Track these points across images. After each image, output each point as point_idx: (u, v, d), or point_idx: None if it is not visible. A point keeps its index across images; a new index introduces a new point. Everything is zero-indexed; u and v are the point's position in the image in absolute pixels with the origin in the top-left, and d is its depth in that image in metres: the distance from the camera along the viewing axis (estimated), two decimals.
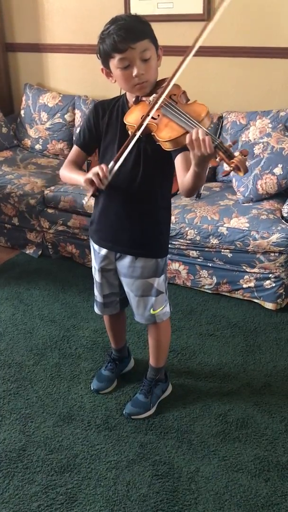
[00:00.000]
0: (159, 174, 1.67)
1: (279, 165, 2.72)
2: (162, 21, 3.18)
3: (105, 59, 1.52)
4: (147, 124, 1.47)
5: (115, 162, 1.51)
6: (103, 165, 1.50)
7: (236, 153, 1.29)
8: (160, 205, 1.74)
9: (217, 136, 3.17)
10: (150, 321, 1.90)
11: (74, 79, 3.78)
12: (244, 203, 2.80)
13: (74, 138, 3.53)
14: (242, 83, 3.22)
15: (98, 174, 1.48)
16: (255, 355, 2.36)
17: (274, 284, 2.60)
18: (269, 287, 2.62)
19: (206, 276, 2.77)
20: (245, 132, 3.04)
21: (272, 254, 2.54)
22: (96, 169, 1.49)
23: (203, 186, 2.96)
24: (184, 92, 1.54)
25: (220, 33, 3.15)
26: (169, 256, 2.76)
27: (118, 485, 1.74)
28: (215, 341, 2.46)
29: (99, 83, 3.14)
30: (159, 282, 1.81)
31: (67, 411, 2.04)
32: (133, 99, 1.57)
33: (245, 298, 2.75)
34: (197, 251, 2.72)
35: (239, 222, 2.60)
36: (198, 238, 2.66)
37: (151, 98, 1.51)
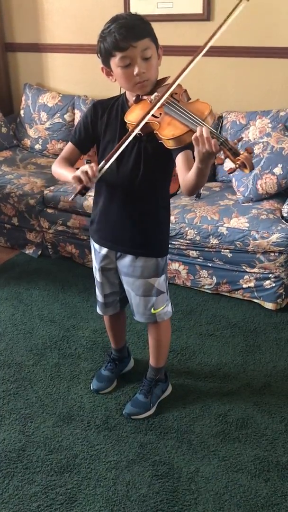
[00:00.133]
0: (159, 173, 1.67)
1: (279, 165, 2.72)
2: (162, 21, 3.18)
3: (106, 57, 1.52)
4: (149, 122, 1.46)
5: (106, 162, 1.48)
6: (93, 164, 1.47)
7: (241, 151, 1.29)
8: (160, 204, 1.74)
9: None
10: (151, 320, 1.89)
11: (73, 79, 3.77)
12: (244, 203, 2.80)
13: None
14: (242, 83, 3.22)
15: (87, 172, 1.45)
16: (255, 355, 2.36)
17: (274, 284, 2.60)
18: (269, 287, 2.61)
19: (206, 276, 2.77)
20: (245, 132, 3.04)
21: (272, 254, 2.54)
22: (85, 167, 1.46)
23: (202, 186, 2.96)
24: (185, 91, 1.54)
25: (219, 33, 3.15)
26: (169, 256, 2.76)
27: (118, 485, 1.74)
28: (215, 341, 2.46)
29: (99, 83, 3.14)
30: (159, 282, 1.81)
31: (66, 411, 2.04)
32: (134, 98, 1.57)
33: (245, 298, 2.75)
34: (197, 251, 2.72)
35: (239, 222, 2.60)
36: (198, 238, 2.66)
37: (152, 96, 1.51)
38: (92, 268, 1.98)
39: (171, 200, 2.82)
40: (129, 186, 1.65)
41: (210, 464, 1.81)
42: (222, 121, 3.18)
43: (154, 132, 1.48)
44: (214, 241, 2.63)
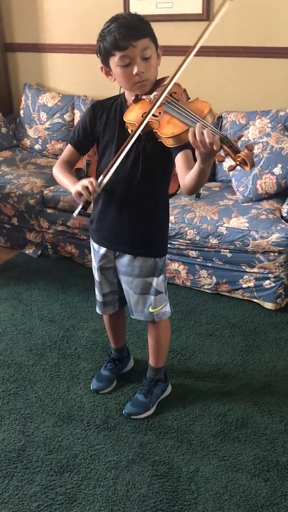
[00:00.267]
0: (158, 173, 1.67)
1: (278, 165, 2.72)
2: (161, 21, 3.18)
3: (105, 57, 1.52)
4: (148, 121, 1.47)
5: (105, 176, 1.50)
6: (92, 179, 1.49)
7: (242, 148, 1.29)
8: (159, 204, 1.74)
9: None
10: (149, 319, 1.90)
11: (73, 79, 3.77)
12: (243, 203, 2.80)
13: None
14: (241, 83, 3.22)
15: (87, 187, 1.47)
16: (254, 355, 2.36)
17: (273, 284, 2.60)
18: (268, 287, 2.62)
19: (205, 276, 2.77)
20: (245, 132, 3.04)
21: (272, 254, 2.54)
22: (85, 182, 1.48)
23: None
24: (184, 90, 1.54)
25: (219, 33, 3.15)
26: (168, 256, 2.78)
27: (117, 485, 1.74)
28: (214, 341, 2.46)
29: (99, 83, 3.14)
30: (157, 282, 1.81)
31: (66, 411, 2.04)
32: (132, 97, 1.57)
33: (245, 298, 2.75)
34: (197, 251, 2.72)
35: (239, 222, 2.60)
36: (197, 238, 2.66)
37: (151, 96, 1.51)
38: (92, 268, 1.98)
39: (171, 200, 2.83)
40: (127, 185, 1.65)
41: (210, 464, 1.81)
42: (222, 121, 3.18)
43: (154, 131, 1.48)
44: (213, 241, 2.63)
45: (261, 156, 2.80)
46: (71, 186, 1.58)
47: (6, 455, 1.85)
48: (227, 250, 2.64)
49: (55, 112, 3.66)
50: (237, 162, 1.27)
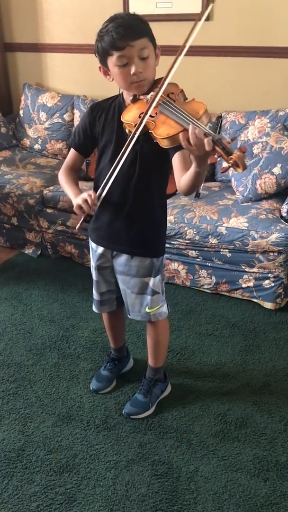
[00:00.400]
0: (156, 173, 1.67)
1: (278, 164, 2.72)
2: (161, 20, 3.18)
3: (103, 57, 1.52)
4: (146, 121, 1.47)
5: (103, 188, 1.55)
6: (91, 192, 1.55)
7: (235, 150, 1.28)
8: (156, 204, 1.74)
9: None
10: (145, 319, 1.90)
11: (73, 79, 3.78)
12: (243, 203, 2.80)
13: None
14: (241, 82, 3.22)
15: (86, 201, 1.53)
16: (254, 354, 2.36)
17: (273, 284, 2.60)
18: (268, 286, 2.62)
19: (205, 276, 2.77)
20: (244, 132, 3.04)
21: (271, 254, 2.54)
22: (85, 195, 1.54)
23: (202, 186, 2.96)
24: (182, 91, 1.54)
25: (219, 33, 3.15)
26: (168, 255, 2.78)
27: (117, 485, 1.74)
28: (214, 340, 2.46)
29: (98, 83, 3.14)
30: (154, 282, 1.81)
31: (66, 411, 2.04)
32: (131, 97, 1.57)
33: (244, 298, 2.75)
34: (196, 251, 2.72)
35: (238, 222, 2.60)
36: (197, 237, 2.66)
37: (148, 96, 1.51)
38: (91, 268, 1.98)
39: (171, 200, 2.83)
40: (125, 185, 1.65)
41: (210, 464, 1.81)
42: (221, 121, 3.18)
43: (149, 131, 1.48)
44: (213, 240, 2.63)
45: (260, 156, 2.80)
46: (73, 198, 1.64)
47: (5, 455, 1.85)
48: (227, 250, 2.64)
49: (54, 112, 3.66)
50: (229, 164, 1.27)
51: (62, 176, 1.79)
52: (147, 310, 1.85)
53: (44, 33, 3.76)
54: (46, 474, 1.78)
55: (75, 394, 2.13)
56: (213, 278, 2.75)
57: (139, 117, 1.47)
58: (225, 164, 1.29)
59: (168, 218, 2.66)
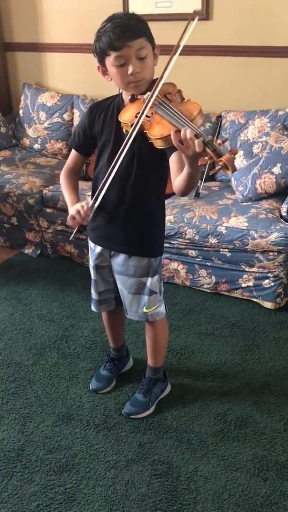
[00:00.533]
0: (153, 173, 1.67)
1: (278, 164, 2.72)
2: (160, 20, 3.18)
3: (101, 57, 1.52)
4: (141, 121, 1.47)
5: (95, 200, 1.58)
6: (84, 203, 1.59)
7: (226, 152, 1.29)
8: (154, 204, 1.74)
9: (216, 135, 3.18)
10: (143, 319, 1.90)
11: (72, 78, 3.77)
12: (243, 203, 2.80)
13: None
14: (240, 82, 3.22)
15: (79, 212, 1.57)
16: (254, 354, 2.36)
17: (273, 284, 2.60)
18: (268, 286, 2.62)
19: (205, 276, 2.77)
20: (244, 131, 3.04)
21: (271, 254, 2.54)
22: (78, 206, 1.58)
23: (202, 185, 2.96)
24: (179, 91, 1.54)
25: (219, 32, 3.15)
26: (168, 255, 2.78)
27: (117, 484, 1.74)
28: (214, 340, 2.46)
29: (98, 83, 3.13)
30: (152, 282, 1.81)
31: (66, 411, 2.04)
32: (129, 97, 1.57)
33: (244, 298, 2.75)
34: (196, 251, 2.72)
35: (238, 222, 2.60)
36: (197, 237, 2.66)
37: (145, 96, 1.51)
38: None
39: (170, 200, 2.83)
40: (122, 185, 1.66)
41: (209, 463, 1.81)
42: (221, 121, 3.18)
43: (144, 131, 1.48)
44: (213, 240, 2.63)
45: (260, 156, 2.80)
46: (69, 206, 1.68)
47: (5, 455, 1.85)
48: (227, 250, 2.64)
49: (54, 111, 3.66)
50: (218, 166, 1.27)
51: (62, 180, 1.81)
52: (144, 310, 1.85)
53: (44, 32, 3.75)
54: (45, 474, 1.78)
55: (75, 394, 2.13)
56: (213, 277, 2.75)
57: (136, 117, 1.48)
58: (216, 166, 1.30)
59: (167, 217, 2.66)
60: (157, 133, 1.44)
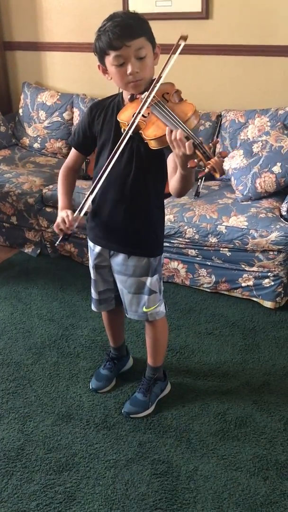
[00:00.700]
0: (152, 173, 1.66)
1: (278, 163, 2.72)
2: (160, 19, 3.17)
3: (101, 56, 1.52)
4: (138, 122, 1.47)
5: (80, 210, 1.60)
6: (69, 212, 1.62)
7: (216, 154, 1.28)
8: (153, 204, 1.73)
9: (216, 134, 3.17)
10: (142, 318, 1.90)
11: (72, 77, 3.77)
12: (243, 202, 2.80)
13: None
14: (240, 81, 3.22)
15: (64, 221, 1.60)
16: (254, 353, 2.36)
17: (273, 283, 2.60)
18: (268, 285, 2.61)
19: (205, 275, 2.77)
20: (244, 131, 3.04)
21: (271, 253, 2.54)
22: (63, 215, 1.62)
23: (202, 185, 2.96)
24: (177, 91, 1.53)
25: (218, 31, 3.15)
26: (167, 254, 2.78)
27: (117, 484, 1.74)
28: (213, 339, 2.46)
29: (98, 82, 3.14)
30: (151, 282, 1.81)
31: (65, 410, 2.04)
32: (128, 97, 1.57)
33: (244, 297, 2.75)
34: (196, 250, 2.72)
35: (238, 221, 2.60)
36: (197, 236, 2.66)
37: (142, 96, 1.51)
38: None
39: (170, 199, 2.83)
40: (121, 184, 1.65)
41: (209, 463, 1.81)
42: (221, 120, 3.18)
43: (139, 131, 1.48)
44: (213, 239, 2.63)
45: (260, 155, 2.80)
46: (59, 211, 1.71)
47: (5, 454, 1.85)
48: (226, 249, 2.64)
49: (54, 110, 3.65)
50: (207, 169, 1.27)
51: (60, 178, 1.82)
52: (144, 309, 1.85)
53: (43, 31, 3.75)
54: (45, 473, 1.78)
55: (75, 393, 2.13)
56: (213, 277, 2.75)
57: (133, 116, 1.48)
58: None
59: (167, 217, 2.66)
60: (151, 133, 1.44)
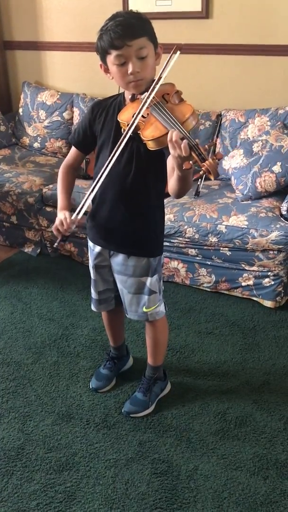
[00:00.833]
0: (152, 173, 1.66)
1: (278, 163, 2.72)
2: (160, 18, 3.17)
3: (103, 55, 1.52)
4: (138, 122, 1.47)
5: (78, 213, 1.60)
6: (67, 215, 1.63)
7: (211, 156, 1.28)
8: (153, 204, 1.73)
9: (216, 134, 3.17)
10: (143, 318, 1.90)
11: (72, 77, 3.77)
12: (243, 201, 2.80)
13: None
14: (240, 81, 3.22)
15: (62, 223, 1.62)
16: (254, 353, 2.36)
17: (273, 282, 2.60)
18: (268, 285, 2.61)
19: (205, 274, 2.77)
20: (244, 130, 3.04)
21: (271, 252, 2.54)
22: (61, 217, 1.63)
23: (202, 184, 2.96)
24: (177, 92, 1.52)
25: (218, 31, 3.15)
26: (168, 254, 2.78)
27: (117, 483, 1.74)
28: (214, 339, 2.46)
29: (98, 81, 3.14)
30: (151, 282, 1.81)
31: (65, 410, 2.04)
32: (129, 96, 1.57)
33: (244, 296, 2.75)
34: (196, 249, 2.72)
35: (238, 220, 2.60)
36: (197, 236, 2.66)
37: (143, 96, 1.51)
38: None
39: (170, 199, 2.82)
40: (121, 184, 1.65)
41: (209, 462, 1.82)
42: (221, 119, 3.18)
43: (138, 132, 1.48)
44: (213, 239, 2.63)
45: (260, 154, 2.80)
46: (58, 211, 1.72)
47: (5, 454, 1.85)
48: (227, 249, 2.64)
49: (54, 110, 3.65)
50: (201, 171, 1.27)
51: (60, 176, 1.83)
52: (144, 309, 1.85)
53: (43, 31, 3.75)
54: (45, 473, 1.78)
55: (75, 393, 2.13)
56: (213, 276, 2.75)
57: (133, 117, 1.48)
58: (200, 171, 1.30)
59: (167, 216, 2.66)
60: (149, 134, 1.44)
